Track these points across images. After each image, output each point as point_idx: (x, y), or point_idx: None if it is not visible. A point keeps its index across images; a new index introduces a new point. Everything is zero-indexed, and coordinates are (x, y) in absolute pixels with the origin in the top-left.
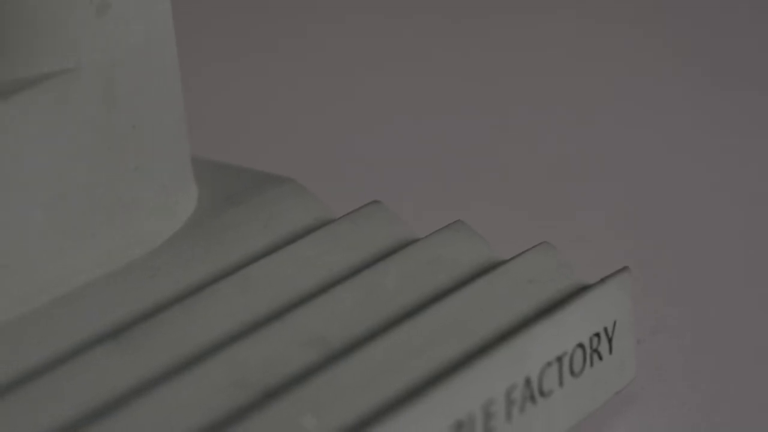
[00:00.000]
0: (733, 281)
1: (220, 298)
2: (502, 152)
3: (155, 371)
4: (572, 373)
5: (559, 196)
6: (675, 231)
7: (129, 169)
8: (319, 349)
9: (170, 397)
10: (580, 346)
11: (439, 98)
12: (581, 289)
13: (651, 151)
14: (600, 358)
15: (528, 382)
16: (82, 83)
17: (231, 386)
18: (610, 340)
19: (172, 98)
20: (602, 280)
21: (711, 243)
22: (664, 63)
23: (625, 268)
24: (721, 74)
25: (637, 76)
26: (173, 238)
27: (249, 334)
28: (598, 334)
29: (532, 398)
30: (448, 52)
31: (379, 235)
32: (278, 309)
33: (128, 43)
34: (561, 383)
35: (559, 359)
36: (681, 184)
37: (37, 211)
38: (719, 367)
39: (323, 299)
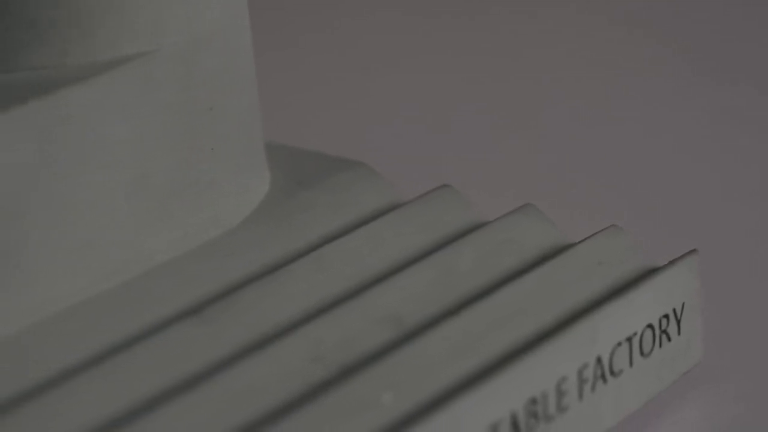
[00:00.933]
0: (742, 278)
1: (296, 277)
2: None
3: (234, 347)
4: (642, 353)
5: (562, 194)
6: (682, 229)
7: (206, 151)
8: (394, 327)
9: (249, 372)
10: (650, 326)
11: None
12: (650, 271)
13: (656, 149)
14: (668, 339)
15: (599, 361)
16: (162, 65)
17: (308, 363)
18: (678, 322)
19: (247, 81)
20: (671, 263)
21: (719, 241)
22: (670, 60)
23: (693, 251)
24: (726, 72)
25: (644, 74)
26: (248, 220)
27: (325, 313)
28: (667, 316)
29: (603, 377)
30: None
31: (450, 217)
32: (353, 288)
33: (206, 26)
34: (631, 363)
35: (629, 340)
36: (688, 181)
37: (119, 192)
38: (734, 364)
39: (397, 279)
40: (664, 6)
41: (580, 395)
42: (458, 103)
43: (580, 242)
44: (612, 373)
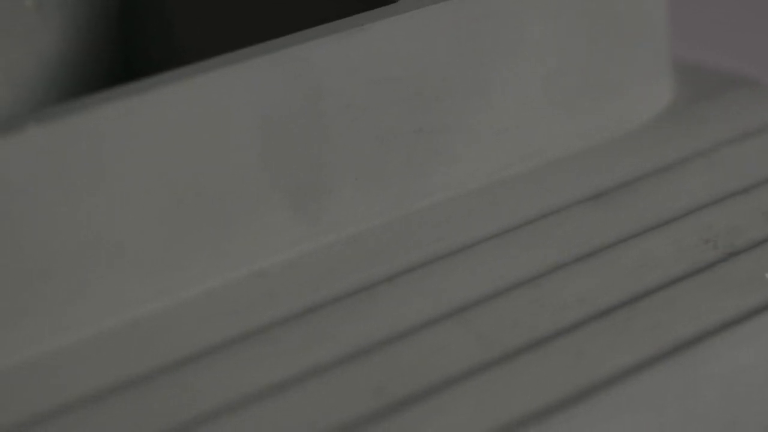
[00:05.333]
0: None
1: (690, 173)
2: None
3: (630, 228)
4: None
5: None
6: None
7: (615, 56)
8: None
9: (643, 249)
10: None
11: None
12: None
13: None
14: None
15: None
16: None
17: (700, 244)
18: None
19: None
20: None
21: None
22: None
23: None
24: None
25: None
26: (650, 122)
27: (715, 204)
28: None
29: None
30: None
31: None
32: (743, 186)
33: None
34: None
35: None
36: None
37: (535, 83)
38: None
39: None
40: None
41: None
42: None
43: None
44: None
